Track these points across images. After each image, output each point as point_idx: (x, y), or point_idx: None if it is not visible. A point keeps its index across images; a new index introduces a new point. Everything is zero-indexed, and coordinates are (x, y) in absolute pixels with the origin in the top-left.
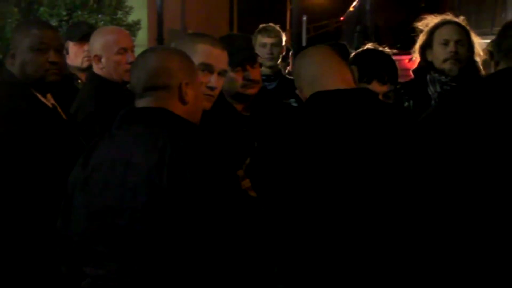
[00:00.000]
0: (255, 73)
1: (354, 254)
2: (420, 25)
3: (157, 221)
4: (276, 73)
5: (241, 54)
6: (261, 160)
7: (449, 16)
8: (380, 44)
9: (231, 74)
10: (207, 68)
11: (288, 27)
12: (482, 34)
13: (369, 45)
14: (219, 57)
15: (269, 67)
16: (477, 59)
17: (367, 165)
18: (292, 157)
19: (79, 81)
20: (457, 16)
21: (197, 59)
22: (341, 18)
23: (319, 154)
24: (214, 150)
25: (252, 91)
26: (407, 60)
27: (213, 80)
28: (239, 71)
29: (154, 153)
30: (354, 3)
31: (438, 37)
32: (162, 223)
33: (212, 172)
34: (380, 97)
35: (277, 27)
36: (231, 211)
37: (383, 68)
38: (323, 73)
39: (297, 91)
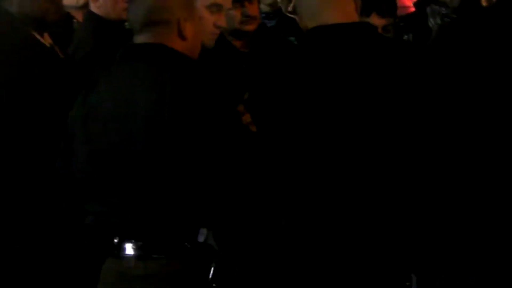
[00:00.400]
0: (253, 9)
1: (351, 195)
2: None
3: (158, 157)
4: (275, 11)
5: None
6: (258, 96)
7: None
8: None
9: (228, 10)
10: (218, 7)
11: None
12: None
13: None
14: None
15: (268, 4)
16: None
17: (365, 103)
18: (289, 94)
19: (75, 20)
20: None
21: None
22: None
23: (315, 91)
24: (214, 86)
25: (250, 27)
26: None
27: (222, 19)
28: (237, 8)
29: (154, 90)
30: None
31: None
32: (163, 159)
33: (212, 108)
34: (379, 30)
35: None
36: (232, 145)
37: (382, 0)
38: (324, 5)
39: (299, 24)
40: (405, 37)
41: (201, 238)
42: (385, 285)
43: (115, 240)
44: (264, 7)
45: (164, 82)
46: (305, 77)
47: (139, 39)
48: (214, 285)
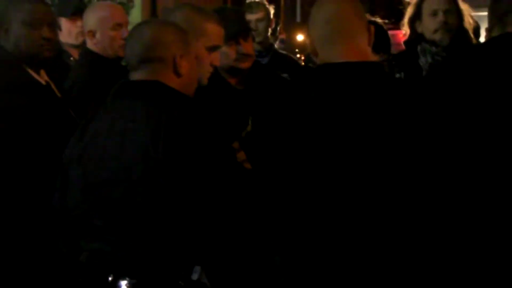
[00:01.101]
0: (248, 47)
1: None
2: None
3: (152, 193)
4: (267, 48)
5: (234, 28)
6: (259, 134)
7: None
8: (374, 16)
9: (224, 48)
10: (216, 48)
11: (282, 2)
12: (477, 6)
13: None
14: (222, 35)
15: (259, 42)
16: (467, 27)
17: (363, 144)
18: (291, 132)
19: (71, 58)
20: None
21: (208, 41)
22: None
23: (317, 131)
24: (209, 123)
25: (245, 65)
26: (401, 35)
27: (217, 58)
28: (232, 45)
29: (149, 126)
30: None
31: (427, 7)
32: (157, 195)
33: (207, 144)
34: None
35: (264, 1)
36: (227, 182)
37: (376, 37)
38: (336, 38)
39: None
40: (397, 75)
41: (195, 276)
42: None
43: (110, 278)
44: (255, 45)
45: (159, 119)
46: (309, 115)
47: (135, 75)
48: None
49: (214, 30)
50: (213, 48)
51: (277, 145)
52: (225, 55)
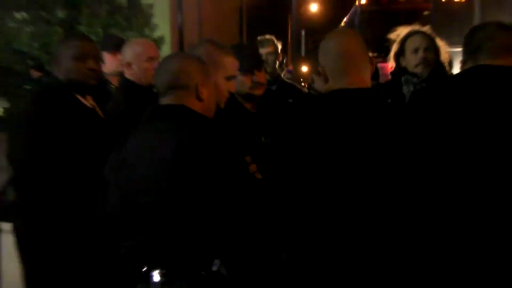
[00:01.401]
0: (261, 77)
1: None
2: (393, 36)
3: (176, 199)
4: (275, 78)
5: (250, 61)
6: (278, 152)
7: (417, 27)
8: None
9: (241, 77)
10: (232, 78)
11: (289, 39)
12: (452, 43)
13: None
14: (237, 67)
15: (268, 73)
16: (444, 61)
17: (367, 161)
18: (306, 149)
19: (112, 85)
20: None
21: (225, 72)
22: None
23: (330, 148)
24: (226, 140)
25: (259, 92)
26: (389, 67)
27: (233, 86)
28: (248, 75)
29: (175, 144)
30: (345, 19)
31: (409, 45)
32: (181, 201)
33: (223, 159)
34: None
35: (272, 37)
36: (240, 189)
37: None
38: (349, 70)
39: (314, 77)
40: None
41: (215, 268)
42: None
43: (144, 269)
44: (265, 75)
45: (183, 138)
46: (326, 129)
47: (164, 100)
48: None
49: (230, 63)
50: (229, 78)
51: (297, 153)
52: (242, 84)
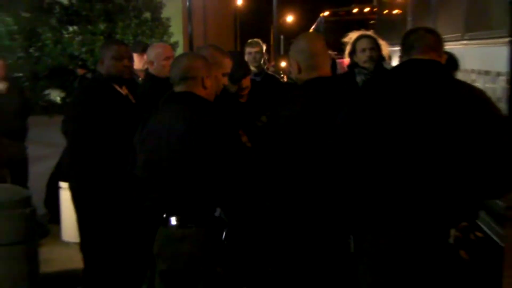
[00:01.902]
0: (246, 82)
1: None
2: (347, 39)
3: (187, 164)
4: (260, 71)
5: (239, 73)
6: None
7: (363, 32)
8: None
9: (230, 84)
10: (227, 74)
11: (271, 42)
12: (391, 44)
13: None
14: (231, 66)
15: (255, 67)
16: (385, 56)
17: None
18: (285, 128)
19: (140, 78)
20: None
21: (223, 70)
22: None
23: (309, 118)
24: (223, 118)
25: (244, 92)
26: (346, 62)
27: (226, 80)
28: (236, 84)
29: (185, 121)
30: (313, 27)
31: (358, 46)
32: (191, 165)
33: (222, 130)
34: None
35: (259, 40)
36: (235, 154)
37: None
38: (319, 64)
39: (291, 70)
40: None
41: (217, 214)
42: (336, 240)
43: (164, 215)
44: (253, 69)
45: (191, 117)
46: (304, 116)
47: (177, 88)
48: (225, 242)
49: (227, 63)
50: (225, 74)
51: (282, 127)
52: (230, 87)
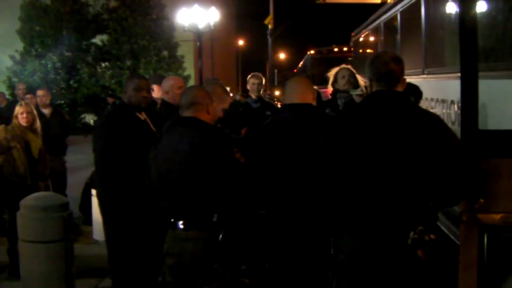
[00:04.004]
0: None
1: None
2: (329, 73)
3: (192, 176)
4: (259, 98)
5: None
6: (253, 145)
7: (343, 65)
8: (314, 84)
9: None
10: (225, 109)
11: (267, 75)
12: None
13: None
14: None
15: (256, 96)
16: (362, 85)
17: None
18: (268, 142)
19: (158, 106)
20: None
21: (223, 105)
22: (295, 70)
23: (276, 140)
24: (222, 139)
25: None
26: (329, 91)
27: (222, 113)
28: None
29: (190, 140)
30: (301, 63)
31: (339, 75)
32: (194, 177)
33: (220, 149)
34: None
35: (261, 74)
36: (231, 168)
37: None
38: (295, 94)
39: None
40: (327, 110)
41: (214, 219)
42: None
43: (172, 220)
44: (253, 97)
45: (195, 138)
46: (276, 134)
47: (185, 113)
48: (222, 243)
49: (228, 100)
50: (223, 109)
51: (261, 146)
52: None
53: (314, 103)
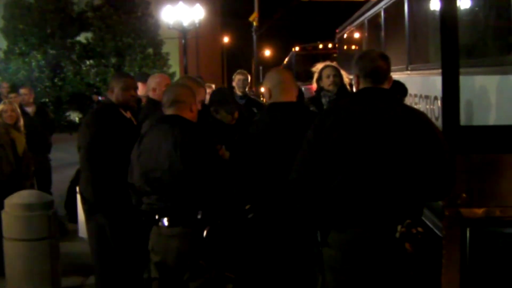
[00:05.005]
0: (237, 114)
1: None
2: (314, 69)
3: (174, 173)
4: (245, 94)
5: (233, 109)
6: (238, 145)
7: (327, 62)
8: (300, 80)
9: (225, 114)
10: (201, 101)
11: (252, 71)
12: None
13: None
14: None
15: (241, 92)
16: (346, 82)
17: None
18: (252, 136)
19: (142, 103)
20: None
21: (199, 97)
22: (280, 67)
23: (266, 140)
24: (205, 136)
25: (234, 121)
26: (313, 88)
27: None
28: (230, 115)
29: (173, 139)
30: (286, 59)
31: (324, 74)
32: (177, 175)
33: (204, 147)
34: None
35: (246, 72)
36: (214, 166)
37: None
38: (281, 92)
39: (264, 95)
40: (312, 108)
41: (199, 216)
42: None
43: (156, 217)
44: (239, 93)
45: (178, 135)
46: (263, 135)
47: (167, 111)
48: (206, 240)
49: (202, 92)
50: (200, 101)
51: (249, 146)
52: (225, 117)
53: (295, 99)
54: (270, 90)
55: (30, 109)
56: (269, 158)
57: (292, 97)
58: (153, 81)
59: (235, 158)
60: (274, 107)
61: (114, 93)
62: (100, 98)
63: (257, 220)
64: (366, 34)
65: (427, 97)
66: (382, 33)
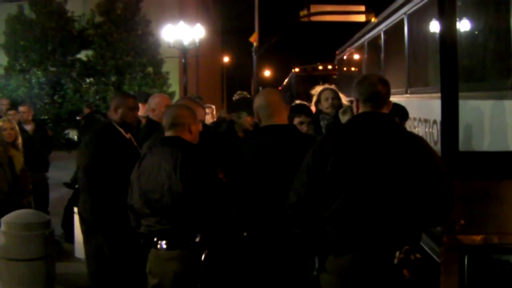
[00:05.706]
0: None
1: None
2: (313, 91)
3: (174, 195)
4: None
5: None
6: (233, 165)
7: (326, 85)
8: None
9: (246, 116)
10: (201, 121)
11: (252, 92)
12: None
13: (296, 102)
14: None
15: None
16: (344, 105)
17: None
18: (246, 161)
19: (142, 123)
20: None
21: (198, 117)
22: (279, 88)
23: (257, 159)
24: (204, 158)
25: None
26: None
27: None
28: (250, 116)
29: (172, 161)
30: (286, 80)
31: (323, 96)
32: (177, 197)
33: (203, 168)
34: (298, 123)
35: (245, 92)
36: (214, 188)
37: (301, 109)
38: (272, 114)
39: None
40: (310, 131)
41: (197, 239)
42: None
43: (155, 239)
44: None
45: (178, 157)
46: (257, 155)
47: (167, 133)
48: (204, 263)
49: (201, 112)
50: (200, 121)
51: (241, 167)
52: (245, 121)
53: (285, 120)
54: (259, 113)
55: (28, 127)
56: (263, 184)
57: (281, 119)
58: (153, 101)
59: (232, 182)
60: (264, 131)
61: (120, 112)
62: (91, 111)
63: (255, 245)
64: (365, 56)
65: (426, 120)
66: (382, 56)
